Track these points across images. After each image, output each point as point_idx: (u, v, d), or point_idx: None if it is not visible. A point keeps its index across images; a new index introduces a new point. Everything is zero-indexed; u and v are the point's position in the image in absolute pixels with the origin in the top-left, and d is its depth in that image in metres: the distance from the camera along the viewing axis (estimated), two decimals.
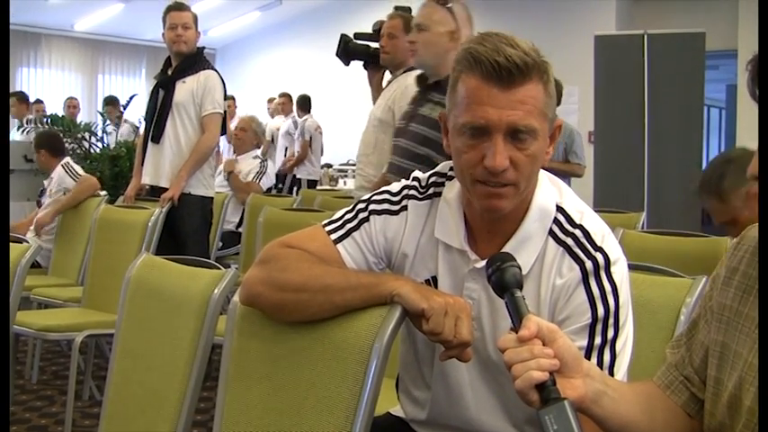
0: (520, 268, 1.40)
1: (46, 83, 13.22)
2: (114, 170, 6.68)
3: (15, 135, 9.55)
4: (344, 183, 9.55)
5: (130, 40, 13.74)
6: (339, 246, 1.69)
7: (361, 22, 12.49)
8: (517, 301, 1.35)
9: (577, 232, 1.57)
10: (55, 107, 10.30)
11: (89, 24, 12.82)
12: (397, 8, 4.43)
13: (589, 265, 1.53)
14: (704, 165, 10.83)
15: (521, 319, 1.31)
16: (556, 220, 1.60)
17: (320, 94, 12.35)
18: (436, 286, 1.66)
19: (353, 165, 11.34)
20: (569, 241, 1.57)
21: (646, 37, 7.68)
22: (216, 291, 2.08)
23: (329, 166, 11.05)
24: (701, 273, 2.00)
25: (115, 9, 12.11)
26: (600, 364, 1.51)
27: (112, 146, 7.14)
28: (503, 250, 1.58)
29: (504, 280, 1.38)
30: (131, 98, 8.18)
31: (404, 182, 1.75)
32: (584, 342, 1.51)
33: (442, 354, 1.54)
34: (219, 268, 2.18)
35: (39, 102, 11.01)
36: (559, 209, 1.61)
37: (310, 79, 12.61)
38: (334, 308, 1.60)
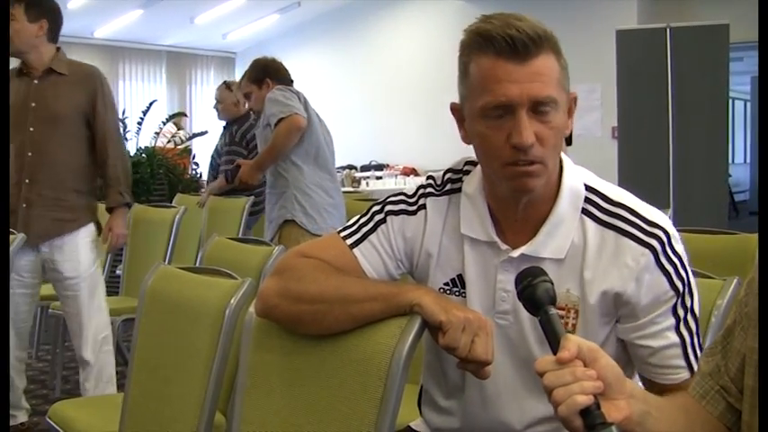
0: (552, 282, 1.34)
1: None
2: (135, 176, 6.66)
3: None
4: (366, 184, 9.49)
5: (150, 46, 13.75)
6: (355, 250, 1.64)
7: (378, 23, 12.52)
8: (553, 320, 1.28)
9: (622, 211, 1.53)
10: None
11: (108, 31, 12.82)
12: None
13: (656, 245, 1.50)
14: (730, 159, 10.72)
15: (558, 339, 1.24)
16: (589, 201, 1.56)
17: (340, 96, 12.33)
18: (463, 285, 1.61)
19: (375, 166, 11.34)
20: (619, 223, 1.52)
21: (668, 30, 7.59)
22: (232, 301, 2.04)
23: (352, 167, 11.00)
24: (731, 272, 1.95)
25: (134, 15, 12.11)
26: (689, 331, 1.53)
27: (132, 152, 7.13)
28: (538, 236, 1.55)
29: (536, 297, 1.32)
30: (151, 104, 8.17)
31: (419, 183, 1.70)
32: (672, 320, 1.52)
33: (458, 363, 1.50)
34: (235, 278, 2.13)
35: None
36: (589, 188, 1.57)
37: (331, 81, 12.59)
38: (352, 319, 1.55)
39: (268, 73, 4.51)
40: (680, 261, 1.52)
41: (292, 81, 4.50)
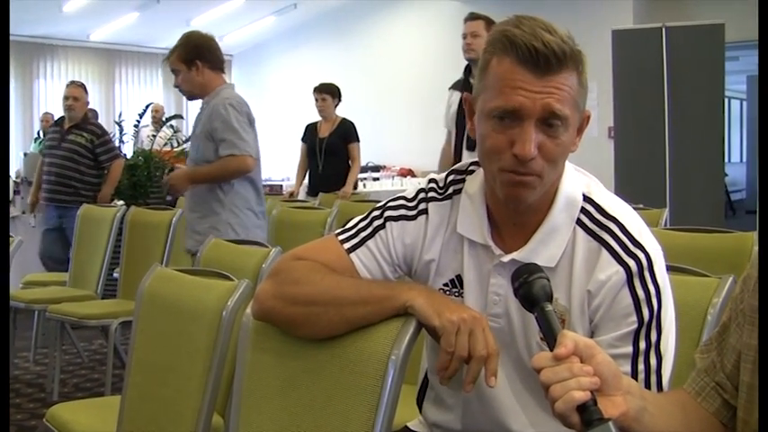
0: (548, 279, 1.34)
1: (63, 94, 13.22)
2: (132, 179, 6.67)
3: (32, 146, 9.58)
4: (364, 185, 9.47)
5: (146, 49, 13.75)
6: (353, 255, 1.63)
7: (375, 25, 12.52)
8: (549, 316, 1.29)
9: (612, 225, 1.51)
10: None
11: (104, 34, 12.83)
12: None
13: (633, 266, 1.47)
14: (726, 158, 10.70)
15: (554, 335, 1.24)
16: (585, 211, 1.54)
17: None
18: (462, 285, 1.61)
19: (372, 167, 11.32)
20: (605, 236, 1.50)
21: (664, 30, 7.60)
22: (229, 302, 2.04)
23: None
24: (728, 271, 1.94)
25: (130, 18, 12.13)
26: (647, 368, 1.46)
27: (129, 155, 7.13)
28: (530, 243, 1.54)
29: (532, 293, 1.32)
30: (147, 106, 8.17)
31: (419, 186, 1.69)
32: (630, 348, 1.46)
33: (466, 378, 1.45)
34: (232, 279, 2.14)
35: (47, 114, 11.03)
36: (587, 199, 1.55)
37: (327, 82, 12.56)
38: (346, 322, 1.55)
39: (200, 54, 4.15)
40: (656, 290, 1.47)
41: (224, 62, 4.27)
